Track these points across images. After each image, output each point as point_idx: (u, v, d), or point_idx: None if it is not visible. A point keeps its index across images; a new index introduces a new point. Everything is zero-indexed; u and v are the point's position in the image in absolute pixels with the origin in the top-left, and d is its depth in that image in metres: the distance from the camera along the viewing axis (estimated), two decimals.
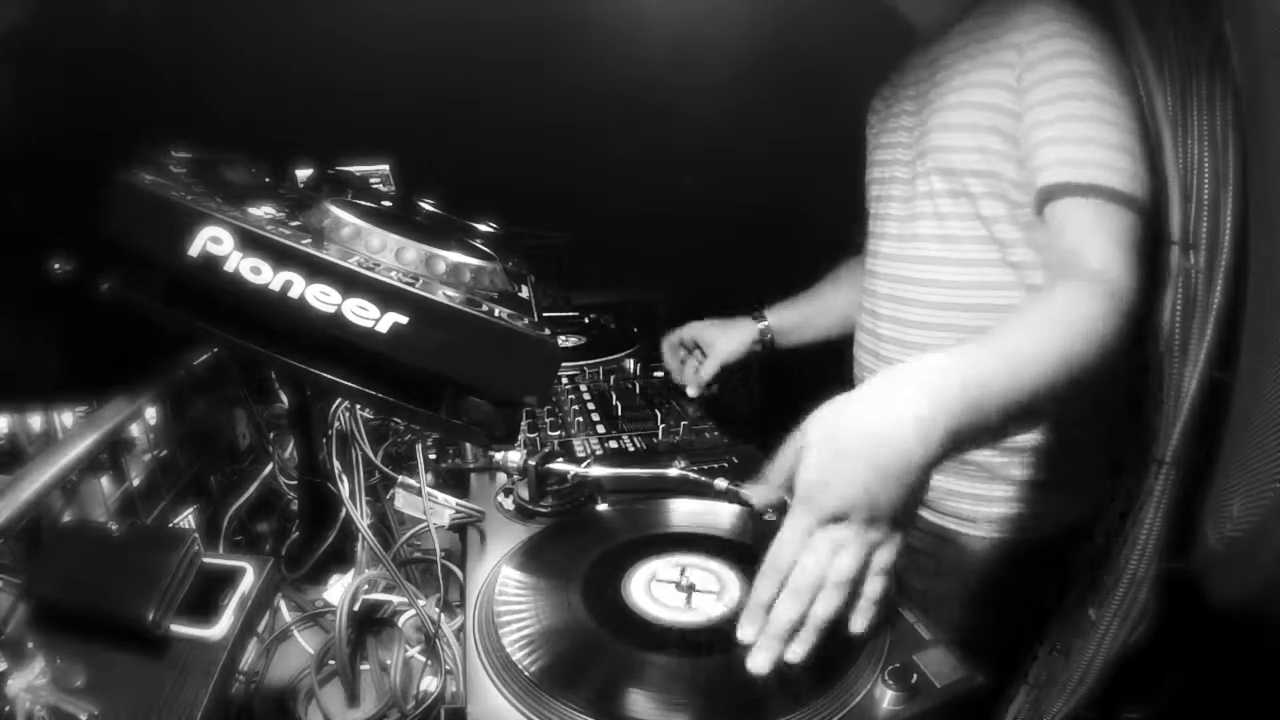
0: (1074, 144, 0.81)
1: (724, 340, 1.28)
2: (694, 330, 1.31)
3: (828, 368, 1.28)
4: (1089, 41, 0.84)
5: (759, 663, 0.60)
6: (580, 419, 1.17)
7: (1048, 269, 0.87)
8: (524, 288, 0.79)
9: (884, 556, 0.62)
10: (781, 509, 0.85)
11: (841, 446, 0.60)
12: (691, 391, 1.27)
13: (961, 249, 0.96)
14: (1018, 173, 0.89)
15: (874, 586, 0.62)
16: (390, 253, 0.66)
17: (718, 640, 0.66)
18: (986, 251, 0.95)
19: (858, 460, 0.59)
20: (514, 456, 0.89)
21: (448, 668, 0.73)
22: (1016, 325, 0.71)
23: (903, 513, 0.61)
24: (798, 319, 1.31)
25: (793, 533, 0.61)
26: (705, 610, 0.70)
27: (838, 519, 0.60)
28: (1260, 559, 0.66)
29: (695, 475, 0.90)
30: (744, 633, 0.62)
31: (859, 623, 0.62)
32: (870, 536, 0.61)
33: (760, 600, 0.62)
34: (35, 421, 0.82)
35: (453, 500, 0.85)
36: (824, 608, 0.60)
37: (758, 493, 0.72)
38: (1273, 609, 0.67)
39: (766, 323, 1.30)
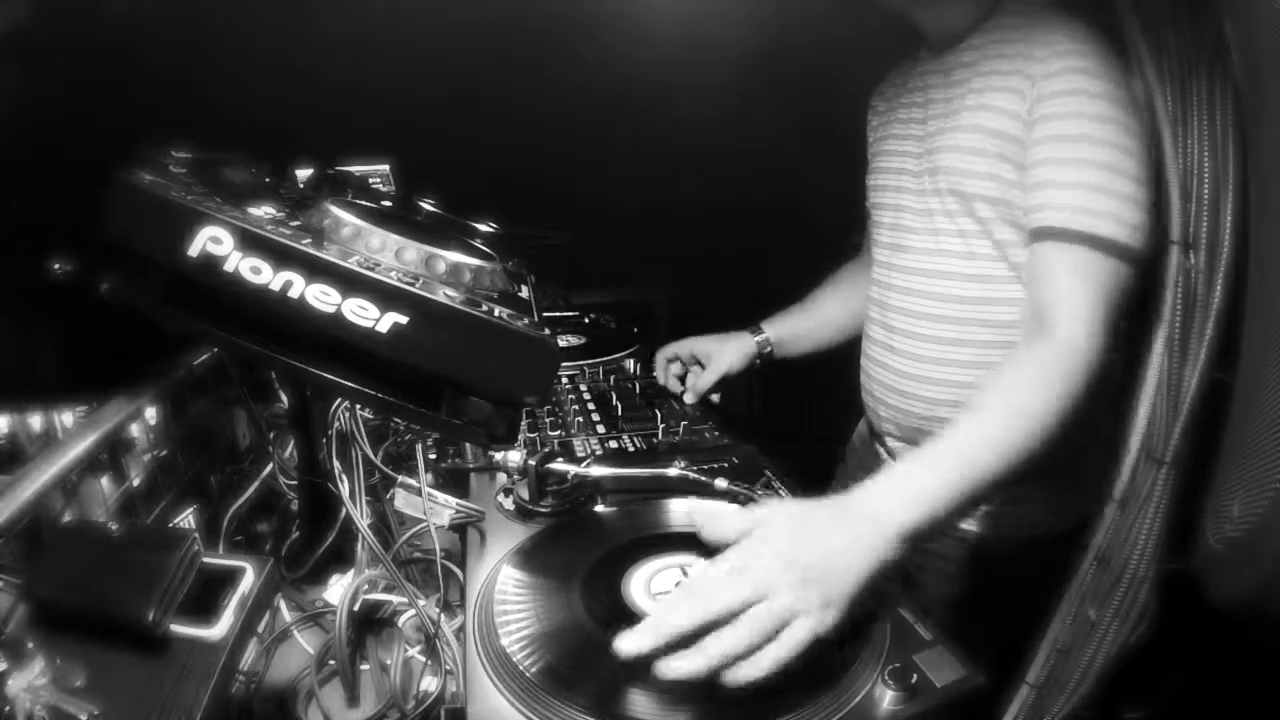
0: (1079, 190, 0.80)
1: (723, 353, 1.26)
2: (691, 345, 1.29)
3: (827, 370, 1.29)
4: (1104, 76, 0.82)
5: (626, 645, 0.58)
6: (580, 419, 1.17)
7: (1025, 314, 0.86)
8: (524, 288, 0.79)
9: (799, 630, 0.60)
10: None
11: (808, 525, 0.66)
12: (689, 398, 1.26)
13: (981, 266, 0.95)
14: (1024, 199, 0.88)
15: (774, 652, 0.59)
16: (390, 253, 0.66)
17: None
18: (1003, 269, 0.94)
19: (815, 537, 0.64)
20: (514, 456, 0.89)
21: (448, 668, 0.73)
22: (969, 429, 0.75)
23: (840, 598, 0.63)
24: (797, 330, 1.30)
25: (731, 562, 0.63)
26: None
27: (782, 565, 0.62)
28: (1260, 559, 0.66)
29: (695, 475, 0.90)
30: (631, 641, 0.59)
31: (737, 674, 0.58)
32: (801, 596, 0.61)
33: (668, 617, 0.60)
34: (35, 421, 0.82)
35: (453, 500, 0.85)
36: (726, 637, 0.58)
37: (706, 520, 0.70)
38: (1273, 609, 0.67)
39: (765, 335, 1.29)
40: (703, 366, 1.27)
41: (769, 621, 0.59)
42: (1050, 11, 0.88)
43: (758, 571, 0.62)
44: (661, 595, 0.72)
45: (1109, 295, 0.80)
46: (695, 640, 0.59)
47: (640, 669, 0.63)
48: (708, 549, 0.79)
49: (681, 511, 0.87)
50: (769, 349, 1.29)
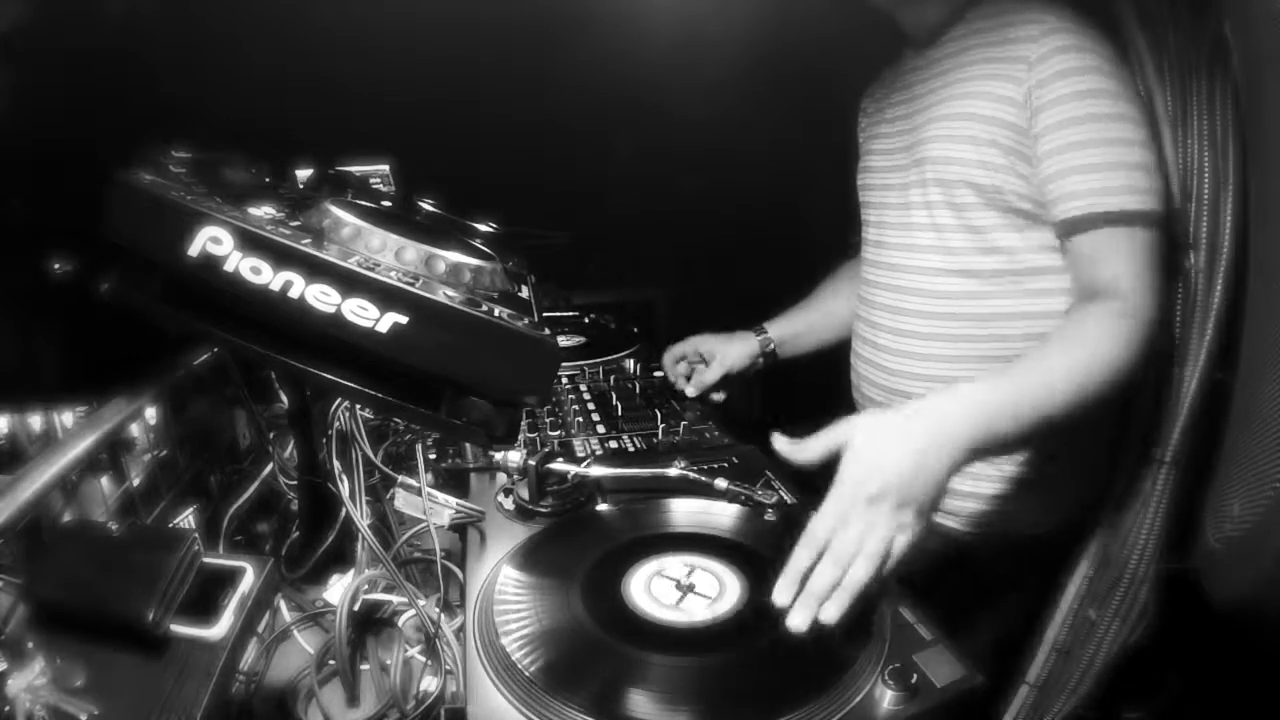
0: (1100, 171, 0.83)
1: (727, 351, 1.27)
2: (696, 343, 1.30)
3: (826, 369, 1.28)
4: (1099, 54, 0.84)
5: (798, 620, 0.65)
6: (580, 419, 1.17)
7: (1076, 294, 0.88)
8: (524, 288, 0.79)
9: (904, 541, 0.69)
10: (781, 509, 0.85)
11: (887, 441, 0.71)
12: (691, 391, 1.26)
13: (961, 259, 0.96)
14: (1020, 184, 0.89)
15: (890, 565, 0.69)
16: (390, 253, 0.66)
17: (718, 640, 0.66)
18: (984, 261, 0.95)
19: (900, 453, 0.70)
20: (514, 456, 0.89)
21: (448, 668, 0.73)
22: (1044, 355, 0.80)
23: (928, 504, 0.70)
24: (799, 329, 1.31)
25: (834, 508, 0.69)
26: (696, 611, 0.70)
27: (874, 500, 0.68)
28: (1260, 559, 0.66)
29: (695, 475, 0.90)
30: (780, 596, 0.67)
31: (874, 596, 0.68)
32: (899, 519, 0.69)
33: (798, 567, 0.67)
34: (35, 421, 0.82)
35: (453, 500, 0.85)
36: (859, 573, 0.66)
37: (792, 451, 0.76)
38: (1273, 609, 0.67)
39: (768, 336, 1.30)
40: (707, 364, 1.28)
41: (884, 549, 0.68)
42: None
43: (859, 512, 0.68)
44: (663, 597, 0.72)
45: (1153, 262, 0.83)
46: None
47: (640, 669, 0.63)
48: (707, 549, 0.79)
49: (688, 510, 0.87)
50: (772, 349, 1.30)
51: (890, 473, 0.69)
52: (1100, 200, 0.83)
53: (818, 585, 0.66)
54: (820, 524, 0.68)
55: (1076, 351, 0.79)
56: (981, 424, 0.73)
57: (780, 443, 0.77)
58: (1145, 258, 0.83)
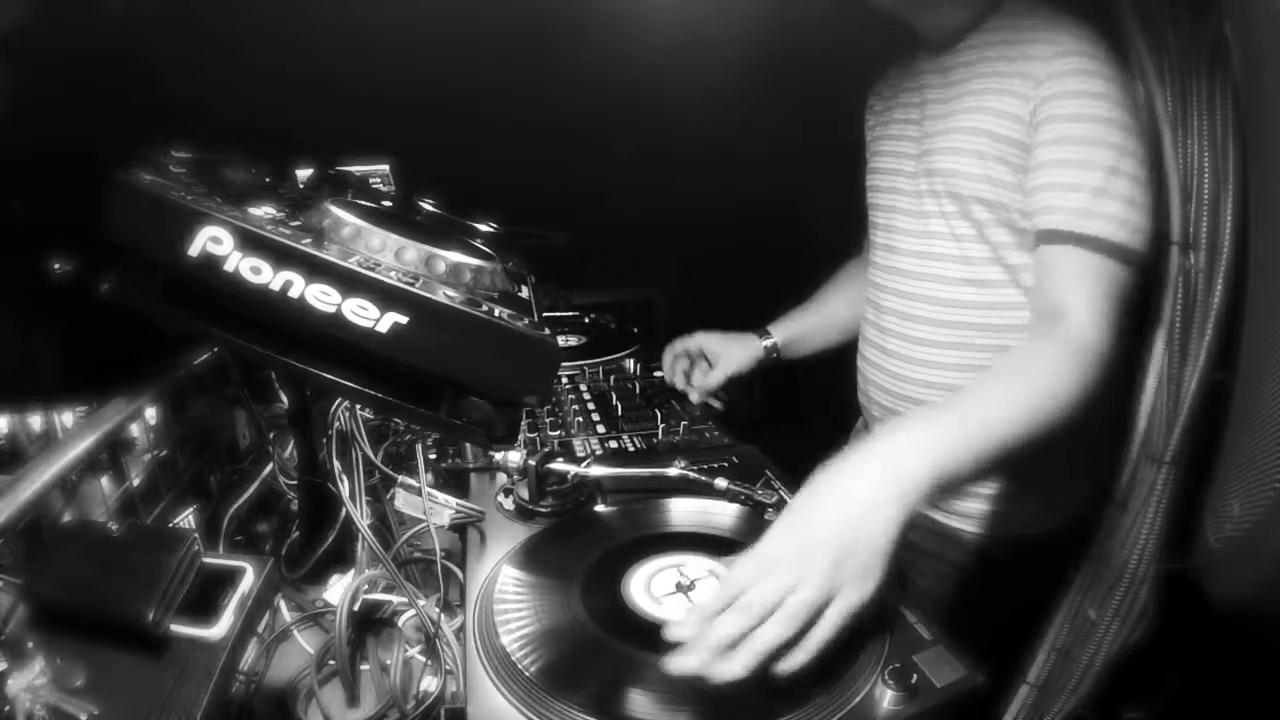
0: (1085, 193, 0.81)
1: (731, 353, 1.26)
2: (700, 341, 1.29)
3: (827, 370, 1.28)
4: (1107, 76, 0.82)
5: (680, 665, 0.58)
6: (580, 419, 1.17)
7: (1031, 312, 0.87)
8: (524, 288, 0.79)
9: (847, 601, 0.60)
10: (781, 508, 0.85)
11: (832, 489, 0.64)
12: (695, 397, 1.26)
13: (977, 270, 0.95)
14: (1023, 202, 0.88)
15: (819, 635, 0.60)
16: (390, 253, 0.66)
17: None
18: (998, 274, 0.94)
19: (844, 502, 0.63)
20: (514, 456, 0.89)
21: (448, 668, 0.73)
22: (988, 390, 0.75)
23: (875, 563, 0.62)
24: (803, 331, 1.30)
25: (760, 554, 0.62)
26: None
27: (805, 552, 0.61)
28: (1260, 559, 0.66)
29: (695, 475, 0.90)
30: (678, 631, 0.60)
31: (788, 662, 0.59)
32: (834, 578, 0.60)
33: (708, 608, 0.60)
34: (35, 421, 0.82)
35: (453, 500, 0.85)
36: (768, 634, 0.58)
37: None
38: (1273, 609, 0.67)
39: (772, 340, 1.29)
40: (710, 365, 1.27)
41: (808, 612, 0.59)
42: (1051, 11, 0.87)
43: (786, 563, 0.60)
44: (666, 597, 0.72)
45: (1113, 295, 0.80)
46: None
47: (640, 669, 0.63)
48: (707, 549, 0.79)
49: (688, 510, 0.87)
50: (776, 354, 1.29)
51: (829, 524, 0.61)
52: (1077, 220, 0.81)
53: (714, 636, 0.58)
54: (741, 569, 0.61)
55: (1026, 386, 0.74)
56: (936, 464, 0.66)
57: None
58: (1106, 290, 0.80)
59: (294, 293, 0.58)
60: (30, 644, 0.53)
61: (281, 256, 0.58)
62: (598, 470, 0.91)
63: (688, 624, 0.60)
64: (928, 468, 0.65)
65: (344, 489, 0.80)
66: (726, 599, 0.60)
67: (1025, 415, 0.72)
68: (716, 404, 1.27)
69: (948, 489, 0.67)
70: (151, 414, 0.88)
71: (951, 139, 0.94)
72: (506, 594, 0.72)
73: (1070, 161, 0.82)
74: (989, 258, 0.94)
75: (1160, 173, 0.86)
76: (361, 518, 0.80)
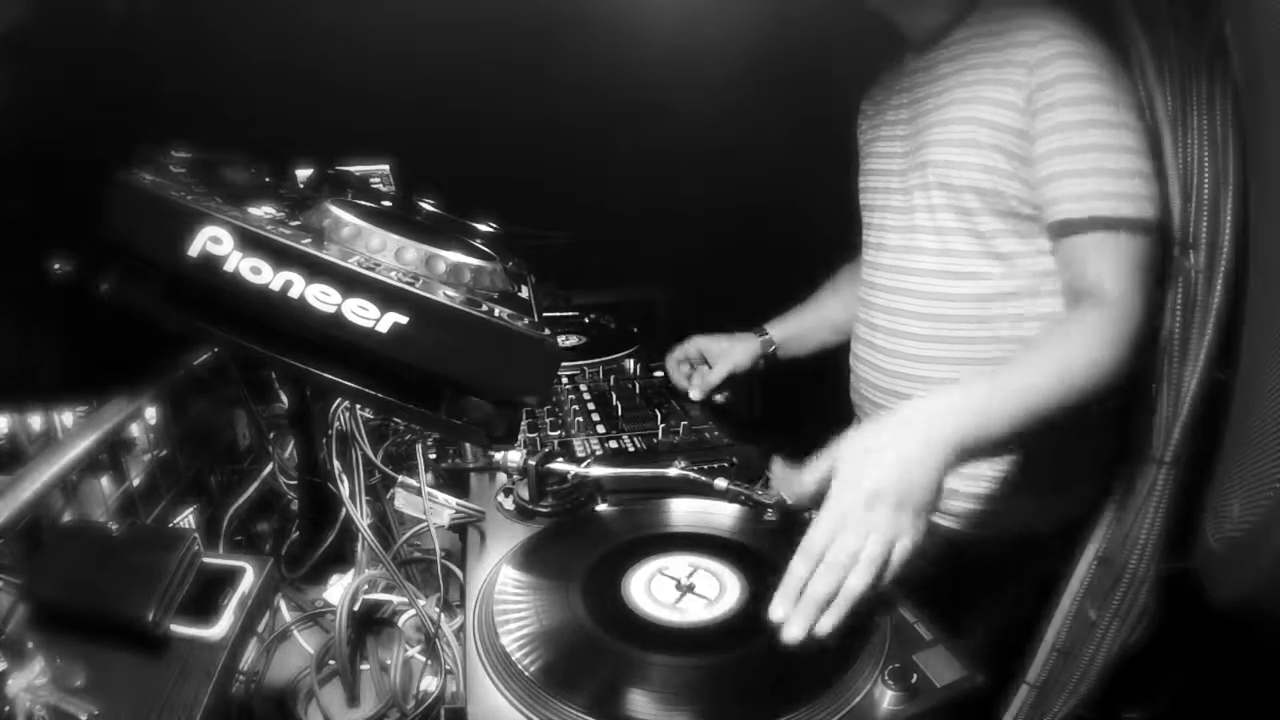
0: (1096, 176, 0.83)
1: (729, 352, 1.28)
2: (699, 344, 1.31)
3: (826, 369, 1.29)
4: (1097, 59, 0.84)
5: (794, 631, 0.64)
6: (580, 419, 1.17)
7: (1066, 296, 0.89)
8: (524, 288, 0.79)
9: (905, 544, 0.68)
10: (781, 508, 0.85)
11: (879, 445, 0.71)
12: (695, 394, 1.26)
13: (961, 263, 0.96)
14: (1022, 189, 0.89)
15: (891, 571, 0.68)
16: (390, 253, 0.66)
17: (718, 640, 0.66)
18: (986, 265, 0.95)
19: (892, 455, 0.70)
20: (514, 456, 0.89)
21: (448, 668, 0.73)
22: (1026, 358, 0.81)
23: (925, 506, 0.70)
24: (800, 330, 1.32)
25: (830, 517, 0.68)
26: (696, 611, 0.70)
27: (871, 504, 0.67)
28: (1260, 559, 0.66)
29: (695, 475, 0.90)
30: (777, 610, 0.66)
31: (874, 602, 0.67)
32: (898, 523, 0.68)
33: (795, 579, 0.66)
34: (35, 421, 0.82)
35: (453, 500, 0.85)
36: (857, 580, 0.66)
37: (786, 483, 0.76)
38: (1273, 609, 0.67)
39: (769, 336, 1.31)
40: (710, 365, 1.28)
41: (884, 557, 0.67)
42: (1029, 1, 0.89)
43: (856, 517, 0.67)
44: (663, 597, 0.72)
45: (1141, 265, 0.84)
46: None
47: (640, 669, 0.63)
48: (707, 549, 0.79)
49: (688, 510, 0.87)
50: (773, 349, 1.31)
51: (884, 474, 0.69)
52: (1094, 204, 0.83)
53: (815, 595, 0.65)
54: (817, 534, 0.68)
55: (1064, 352, 0.80)
56: (971, 424, 0.73)
57: (778, 469, 0.77)
58: (1136, 262, 0.83)
59: (294, 293, 0.58)
60: (30, 644, 0.53)
61: (281, 256, 0.58)
62: (598, 470, 0.91)
63: (783, 598, 0.66)
64: (965, 426, 0.73)
65: (344, 489, 0.80)
66: (810, 564, 0.66)
67: (1063, 381, 0.77)
68: (718, 398, 1.28)
69: (984, 448, 0.75)
70: (151, 414, 0.88)
71: (945, 130, 0.94)
72: (506, 594, 0.72)
73: (1073, 147, 0.84)
74: (975, 250, 0.95)
75: (1160, 173, 0.86)
76: (361, 518, 0.80)
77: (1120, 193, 0.83)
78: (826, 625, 0.64)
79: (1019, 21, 0.88)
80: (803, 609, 0.65)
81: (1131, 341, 0.81)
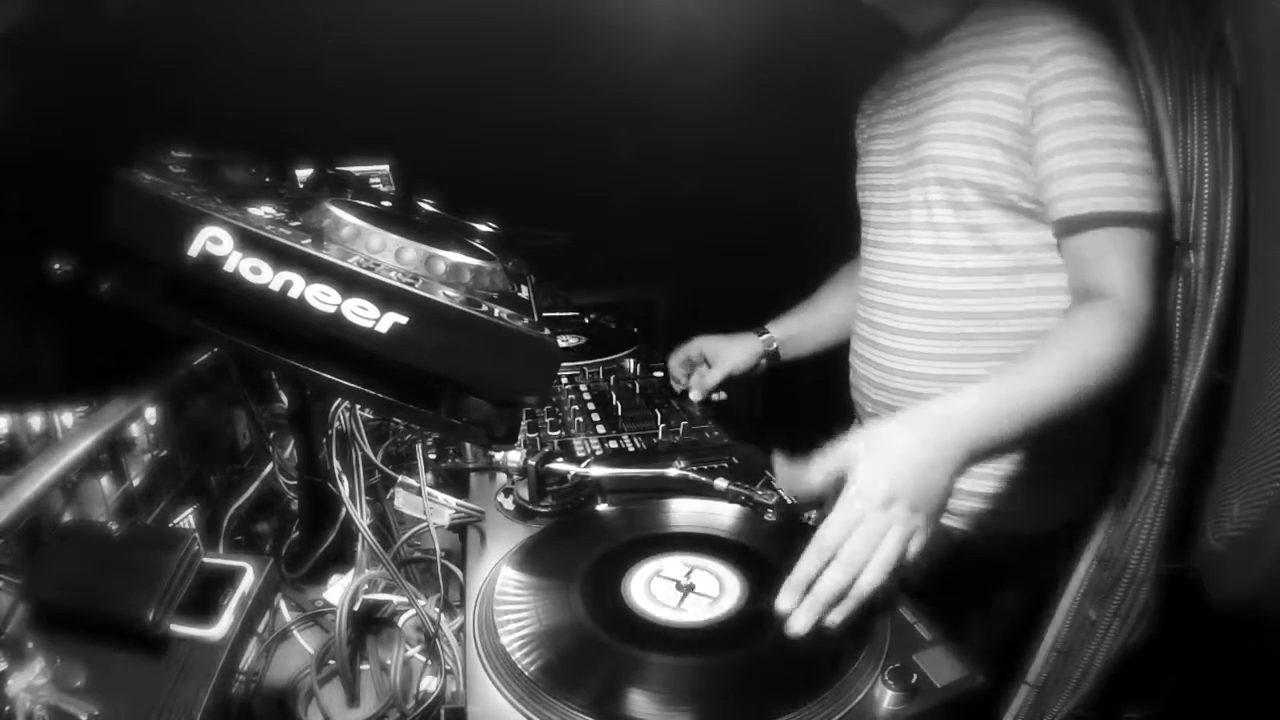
0: (1099, 172, 0.83)
1: (730, 353, 1.28)
2: (700, 344, 1.31)
3: (827, 369, 1.29)
4: (1100, 56, 0.84)
5: (800, 624, 0.65)
6: (580, 419, 1.17)
7: (1074, 293, 0.89)
8: (524, 288, 0.79)
9: (918, 544, 0.69)
10: (782, 508, 0.85)
11: (894, 446, 0.71)
12: (695, 395, 1.27)
13: (958, 258, 0.96)
14: (1021, 184, 0.89)
15: (904, 561, 0.68)
16: (390, 253, 0.66)
17: (717, 640, 0.66)
18: (983, 260, 0.95)
19: (908, 457, 0.70)
20: (514, 456, 0.89)
21: (448, 668, 0.73)
22: (1035, 358, 0.80)
23: (937, 507, 0.70)
24: (800, 330, 1.32)
25: (845, 515, 0.68)
26: (695, 611, 0.70)
27: (888, 504, 0.67)
28: (1260, 559, 0.66)
29: (695, 475, 0.90)
30: (783, 602, 0.66)
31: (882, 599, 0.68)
32: (913, 523, 0.68)
33: (804, 574, 0.67)
34: (35, 421, 0.82)
35: (453, 500, 0.85)
36: (870, 578, 0.66)
37: (793, 480, 0.76)
38: (1273, 609, 0.67)
39: (769, 336, 1.31)
40: (710, 366, 1.28)
41: (899, 554, 0.67)
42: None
43: (873, 516, 0.67)
44: (663, 597, 0.72)
45: (1146, 261, 0.84)
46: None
47: (640, 669, 0.63)
48: (707, 549, 0.79)
49: (688, 510, 0.87)
50: (774, 348, 1.31)
51: (901, 475, 0.69)
52: (1099, 200, 0.83)
53: (825, 591, 0.65)
54: (831, 530, 0.67)
55: (1074, 351, 0.79)
56: (985, 427, 0.73)
57: (781, 467, 0.77)
58: (1142, 258, 0.83)
59: (294, 293, 0.58)
60: (30, 644, 0.53)
61: (281, 256, 0.58)
62: (598, 470, 0.91)
63: (790, 591, 0.66)
64: (979, 429, 0.73)
65: (344, 489, 0.80)
66: (820, 560, 0.67)
67: (1075, 381, 0.77)
68: (716, 398, 1.28)
69: (995, 450, 0.75)
70: (151, 414, 0.88)
71: (944, 125, 0.95)
72: (506, 594, 0.72)
73: (1078, 144, 0.84)
74: (974, 245, 0.95)
75: (1160, 174, 0.86)
76: (361, 518, 0.80)
77: (1128, 188, 0.83)
78: (835, 620, 0.65)
79: (1020, 19, 0.88)
80: (811, 603, 0.65)
81: (1141, 339, 0.81)
